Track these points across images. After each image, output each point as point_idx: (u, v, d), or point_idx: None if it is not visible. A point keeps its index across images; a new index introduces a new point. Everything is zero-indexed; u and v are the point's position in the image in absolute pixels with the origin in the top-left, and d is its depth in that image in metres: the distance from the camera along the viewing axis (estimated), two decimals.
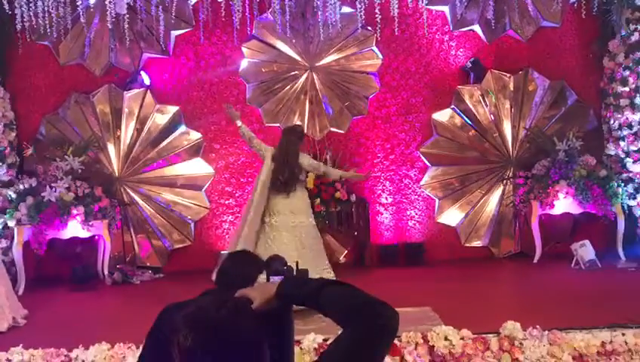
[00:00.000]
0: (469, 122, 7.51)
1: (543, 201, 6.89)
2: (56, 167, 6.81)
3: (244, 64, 7.47)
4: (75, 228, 6.73)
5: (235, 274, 1.93)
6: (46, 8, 5.66)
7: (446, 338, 4.04)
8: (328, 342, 3.93)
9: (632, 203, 7.03)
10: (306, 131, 7.22)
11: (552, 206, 6.89)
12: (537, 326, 4.10)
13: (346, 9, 6.50)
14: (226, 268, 2.09)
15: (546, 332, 4.09)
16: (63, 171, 6.78)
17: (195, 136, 7.50)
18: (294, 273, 1.91)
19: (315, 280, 1.71)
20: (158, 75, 7.53)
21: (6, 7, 5.44)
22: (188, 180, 7.51)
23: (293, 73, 7.48)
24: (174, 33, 7.30)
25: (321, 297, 1.61)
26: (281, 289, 1.68)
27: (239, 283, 1.73)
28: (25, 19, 5.64)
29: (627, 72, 6.96)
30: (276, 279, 1.81)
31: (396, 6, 5.69)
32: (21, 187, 6.75)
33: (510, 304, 5.49)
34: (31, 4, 5.58)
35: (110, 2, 5.40)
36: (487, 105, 7.49)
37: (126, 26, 5.78)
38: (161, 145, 7.49)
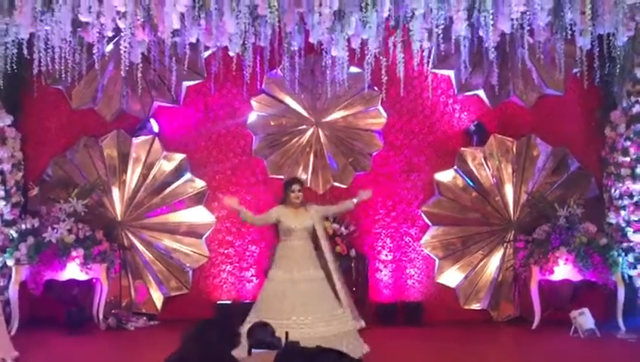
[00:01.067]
0: (471, 184, 7.57)
1: (543, 267, 6.87)
2: (59, 208, 6.87)
3: (252, 117, 7.62)
4: (73, 271, 6.74)
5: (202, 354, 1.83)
6: (63, 54, 5.82)
7: None
8: None
9: (632, 272, 6.98)
10: (309, 185, 7.34)
11: (552, 272, 6.86)
12: None
13: (354, 69, 6.66)
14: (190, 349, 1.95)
15: None
16: (66, 213, 6.84)
17: (199, 184, 7.58)
18: (282, 343, 1.89)
19: (308, 350, 1.70)
20: (168, 123, 7.68)
21: (25, 52, 5.59)
22: (189, 228, 7.54)
23: (299, 128, 7.62)
24: (186, 84, 7.48)
25: None
26: None
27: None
28: (41, 64, 5.80)
29: (628, 143, 7.04)
30: (259, 352, 1.78)
31: (402, 68, 5.83)
32: (23, 227, 6.79)
33: None
34: (49, 50, 5.74)
35: (125, 51, 5.55)
36: (489, 168, 7.57)
37: (139, 74, 5.92)
38: (166, 191, 7.56)
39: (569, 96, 7.52)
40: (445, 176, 7.59)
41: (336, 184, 7.58)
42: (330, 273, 5.52)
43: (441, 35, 5.61)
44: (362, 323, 5.55)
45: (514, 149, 7.59)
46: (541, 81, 7.45)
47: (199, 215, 7.55)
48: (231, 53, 5.79)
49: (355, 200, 5.88)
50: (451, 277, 7.53)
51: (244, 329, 5.03)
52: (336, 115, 7.60)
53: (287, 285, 5.44)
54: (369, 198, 6.16)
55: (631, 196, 7.03)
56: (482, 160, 7.56)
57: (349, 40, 5.65)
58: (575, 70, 6.88)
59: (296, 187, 5.67)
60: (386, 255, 7.59)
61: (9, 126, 7.00)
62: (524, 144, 7.59)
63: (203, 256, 7.51)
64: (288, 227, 5.57)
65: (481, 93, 7.51)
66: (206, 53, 6.97)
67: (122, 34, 5.38)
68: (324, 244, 5.61)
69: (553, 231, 6.94)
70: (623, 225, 7.07)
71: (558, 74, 6.66)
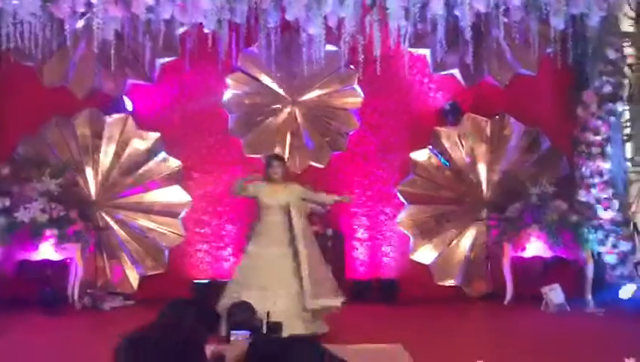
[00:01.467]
0: (446, 163, 7.65)
1: (515, 244, 7.02)
2: (32, 188, 6.76)
3: (227, 95, 7.56)
4: (47, 251, 6.66)
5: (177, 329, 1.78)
6: (33, 30, 5.69)
7: None
8: None
9: (601, 249, 7.15)
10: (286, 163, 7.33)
11: (524, 248, 7.01)
12: None
13: (331, 47, 6.65)
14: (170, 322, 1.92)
15: None
16: (39, 192, 6.74)
17: (174, 163, 7.51)
18: (263, 325, 1.85)
19: (281, 341, 1.70)
20: (141, 102, 7.57)
21: None
22: (164, 207, 7.49)
23: (275, 106, 7.59)
24: (160, 61, 7.36)
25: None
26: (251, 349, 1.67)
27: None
28: (10, 40, 5.66)
29: (599, 122, 7.17)
30: (238, 334, 1.73)
31: (379, 47, 5.84)
32: None
33: (481, 344, 5.54)
34: (17, 25, 5.60)
35: (98, 27, 5.45)
36: (463, 148, 7.65)
37: (112, 51, 5.82)
38: (140, 170, 7.48)
39: (542, 76, 7.59)
40: (420, 155, 7.65)
41: (312, 163, 7.59)
42: (298, 252, 5.55)
43: (418, 14, 5.63)
44: (339, 300, 5.58)
45: (487, 129, 7.67)
46: (515, 60, 7.51)
47: (175, 194, 7.50)
48: (206, 30, 5.73)
49: (336, 198, 5.97)
50: (426, 254, 7.63)
51: (221, 304, 5.08)
52: (313, 93, 7.58)
53: (261, 260, 5.51)
54: (347, 202, 6.49)
55: (601, 174, 7.19)
56: (457, 139, 7.64)
57: (325, 18, 5.63)
58: (548, 50, 6.95)
59: (275, 163, 5.73)
60: (362, 233, 7.65)
61: None
62: (498, 123, 7.68)
63: (179, 236, 7.48)
64: (265, 203, 5.64)
65: (456, 72, 7.55)
66: (181, 30, 6.87)
67: (95, 9, 5.29)
68: (297, 223, 5.62)
69: (525, 209, 7.07)
70: (593, 202, 7.22)
71: (531, 54, 6.74)
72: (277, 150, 7.48)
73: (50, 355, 5.04)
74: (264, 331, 1.84)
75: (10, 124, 7.31)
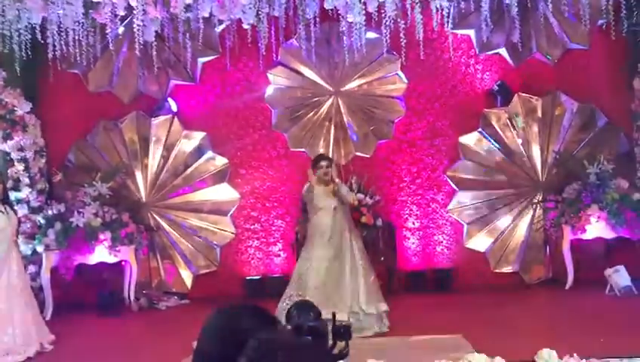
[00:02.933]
0: (497, 146, 7.42)
1: (575, 226, 6.74)
2: (84, 193, 6.89)
3: (269, 90, 7.52)
4: (102, 254, 6.78)
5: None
6: (76, 37, 5.76)
7: None
8: None
9: None
10: (330, 156, 7.21)
11: (584, 230, 6.73)
12: (575, 354, 3.95)
13: (371, 34, 6.51)
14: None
15: (584, 361, 3.94)
16: (91, 197, 6.86)
17: (221, 161, 7.53)
18: (328, 326, 1.59)
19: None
20: (185, 102, 7.61)
21: (38, 36, 5.54)
22: (214, 205, 7.52)
23: (317, 98, 7.50)
24: (201, 60, 7.38)
25: None
26: None
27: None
28: (56, 48, 5.74)
29: None
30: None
31: (421, 30, 5.66)
32: (50, 213, 6.82)
33: (543, 331, 5.32)
34: (62, 33, 5.68)
35: (138, 30, 5.46)
36: (514, 129, 7.39)
37: (154, 53, 5.85)
38: (188, 171, 7.53)
39: (594, 50, 7.26)
40: (470, 139, 7.44)
41: (358, 154, 7.47)
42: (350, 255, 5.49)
43: None
44: (384, 307, 5.38)
45: (539, 108, 7.40)
46: (564, 35, 7.21)
47: (223, 192, 7.52)
48: (245, 26, 5.68)
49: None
50: (480, 241, 7.42)
51: (280, 307, 5.01)
52: (355, 83, 7.47)
53: (315, 263, 5.42)
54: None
55: None
56: (507, 120, 7.39)
57: (365, 4, 5.49)
58: (600, 22, 6.62)
59: (324, 163, 5.53)
60: (413, 223, 7.51)
61: (28, 113, 6.99)
62: (549, 102, 7.39)
63: (229, 233, 7.50)
64: (318, 205, 5.48)
65: (502, 51, 7.30)
66: (220, 28, 6.86)
67: (134, 12, 5.30)
68: (343, 224, 5.53)
69: (584, 190, 6.79)
70: None
71: (582, 27, 6.43)
72: (321, 143, 7.40)
73: (113, 357, 5.10)
74: (330, 337, 1.56)
75: (60, 131, 7.44)
